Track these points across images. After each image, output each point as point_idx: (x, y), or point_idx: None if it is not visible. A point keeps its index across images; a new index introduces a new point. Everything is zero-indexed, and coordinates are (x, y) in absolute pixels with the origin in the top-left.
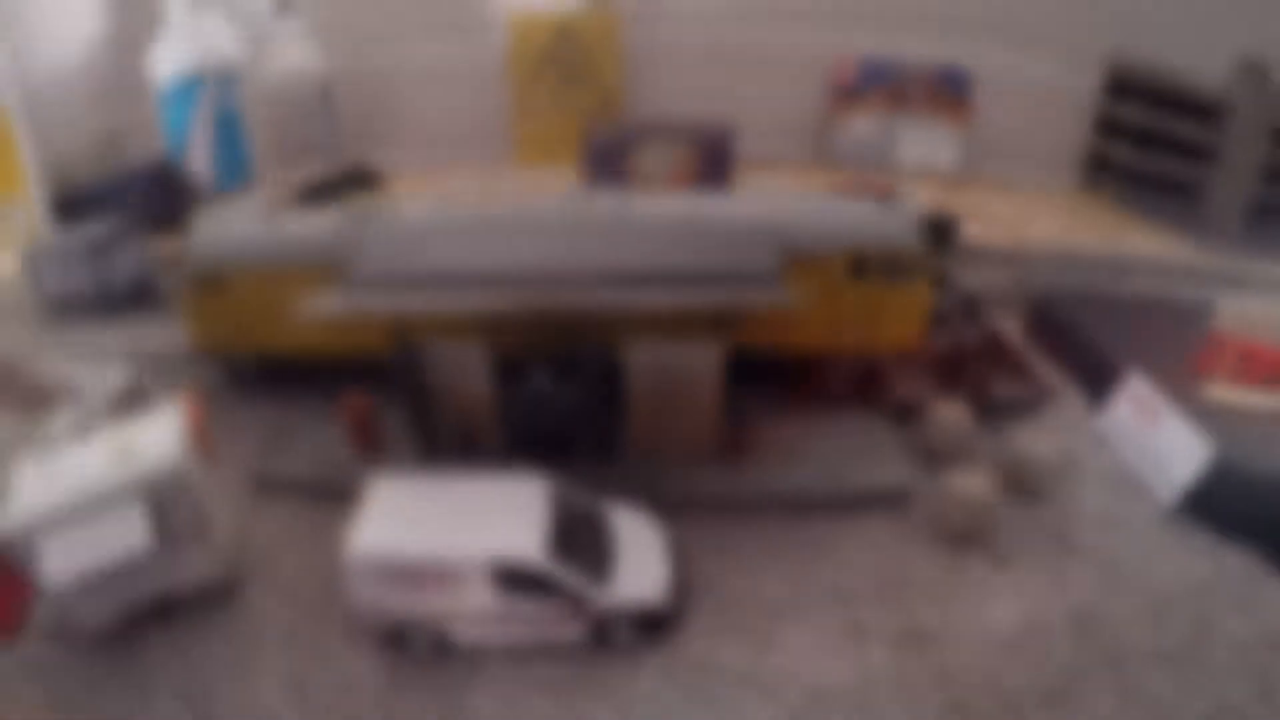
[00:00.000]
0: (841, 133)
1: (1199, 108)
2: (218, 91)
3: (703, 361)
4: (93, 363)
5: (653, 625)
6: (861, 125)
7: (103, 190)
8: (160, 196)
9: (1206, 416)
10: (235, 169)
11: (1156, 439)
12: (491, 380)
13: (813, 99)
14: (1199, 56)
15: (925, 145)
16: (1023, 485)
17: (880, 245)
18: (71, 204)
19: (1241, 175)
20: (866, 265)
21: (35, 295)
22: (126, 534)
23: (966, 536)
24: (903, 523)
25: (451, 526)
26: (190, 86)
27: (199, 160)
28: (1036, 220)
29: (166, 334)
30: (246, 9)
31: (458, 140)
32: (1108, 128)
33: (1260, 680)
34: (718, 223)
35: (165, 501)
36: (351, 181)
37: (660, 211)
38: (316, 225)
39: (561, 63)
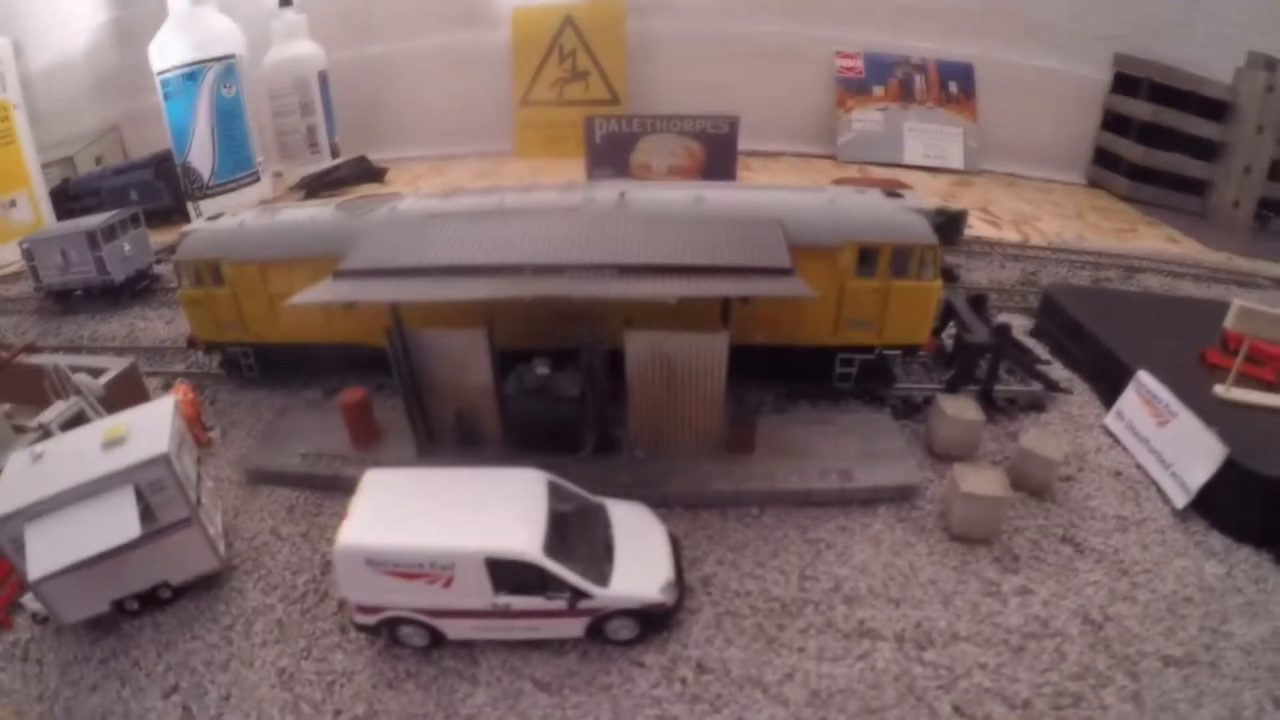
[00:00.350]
0: (847, 127)
1: (1208, 104)
2: (219, 83)
3: (707, 354)
4: (89, 353)
5: (653, 623)
6: (867, 119)
7: (105, 182)
8: (162, 188)
9: (1218, 416)
10: (236, 161)
11: (1168, 439)
12: (491, 371)
13: (818, 93)
14: (1208, 53)
15: (932, 140)
16: (1030, 484)
17: (889, 238)
18: (74, 196)
19: (1251, 173)
20: (875, 258)
21: (34, 286)
22: (115, 523)
23: (976, 535)
24: (910, 521)
25: (446, 520)
26: (191, 78)
27: (200, 152)
28: (1044, 217)
29: (166, 326)
30: (248, 1)
31: (459, 133)
32: (1116, 124)
33: (1272, 685)
34: (725, 212)
35: (156, 491)
36: (354, 175)
37: (666, 199)
38: (314, 215)
39: (564, 55)
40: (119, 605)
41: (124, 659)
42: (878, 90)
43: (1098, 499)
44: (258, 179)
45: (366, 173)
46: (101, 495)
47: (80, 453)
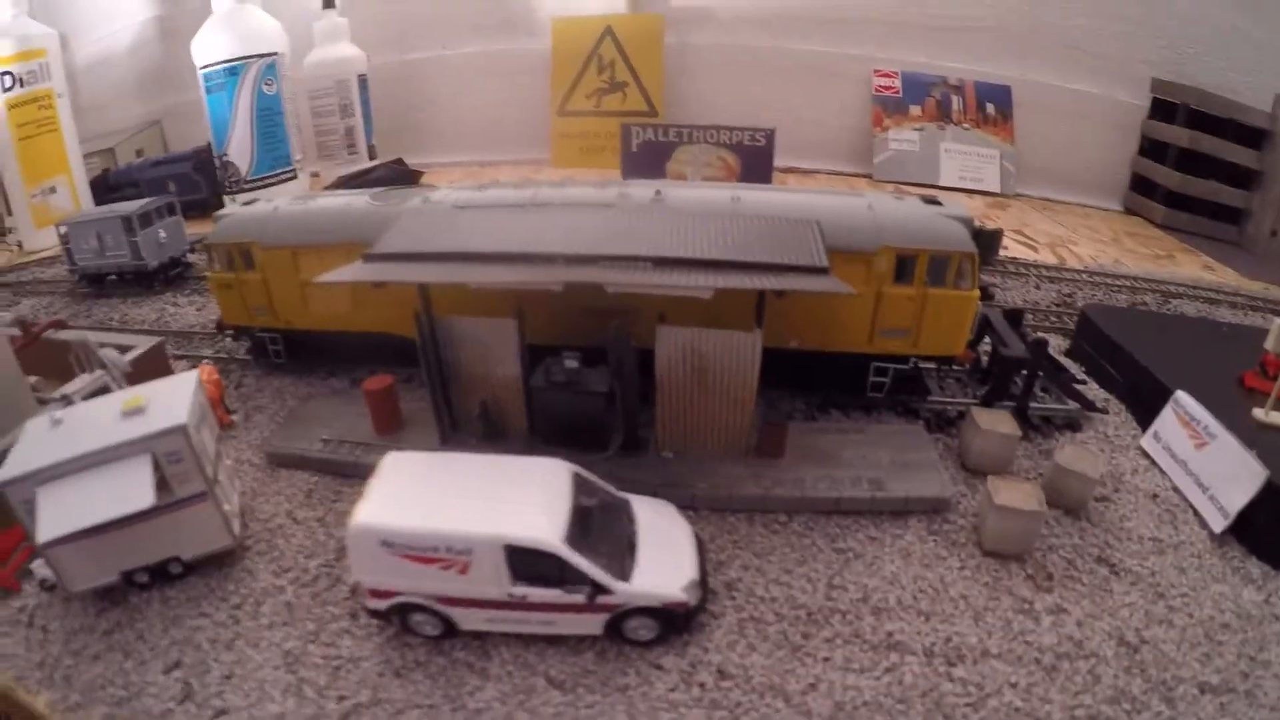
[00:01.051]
0: (884, 146)
1: (1246, 132)
2: (260, 80)
3: (740, 352)
4: (118, 332)
5: (674, 623)
6: (904, 139)
7: (144, 174)
8: (201, 181)
9: (1257, 440)
10: (274, 158)
11: (1206, 461)
12: (520, 362)
13: (855, 111)
14: (1248, 79)
15: (968, 161)
16: (1066, 501)
17: (927, 244)
18: (113, 187)
19: None
20: (912, 265)
21: (68, 268)
22: (129, 491)
23: (1009, 551)
24: (941, 534)
25: (465, 505)
26: (234, 73)
27: (239, 147)
28: (1080, 241)
29: (196, 313)
30: (291, 2)
31: (495, 141)
32: (1154, 150)
33: None
34: (761, 212)
35: (172, 463)
36: (389, 178)
37: (702, 198)
38: (348, 202)
39: (603, 65)
40: (128, 577)
41: (129, 631)
42: (915, 110)
43: (1134, 520)
44: (295, 176)
45: (402, 175)
46: (117, 463)
47: (99, 420)
